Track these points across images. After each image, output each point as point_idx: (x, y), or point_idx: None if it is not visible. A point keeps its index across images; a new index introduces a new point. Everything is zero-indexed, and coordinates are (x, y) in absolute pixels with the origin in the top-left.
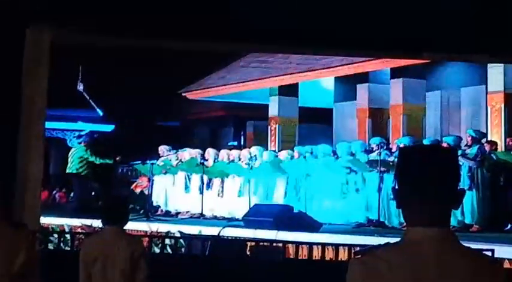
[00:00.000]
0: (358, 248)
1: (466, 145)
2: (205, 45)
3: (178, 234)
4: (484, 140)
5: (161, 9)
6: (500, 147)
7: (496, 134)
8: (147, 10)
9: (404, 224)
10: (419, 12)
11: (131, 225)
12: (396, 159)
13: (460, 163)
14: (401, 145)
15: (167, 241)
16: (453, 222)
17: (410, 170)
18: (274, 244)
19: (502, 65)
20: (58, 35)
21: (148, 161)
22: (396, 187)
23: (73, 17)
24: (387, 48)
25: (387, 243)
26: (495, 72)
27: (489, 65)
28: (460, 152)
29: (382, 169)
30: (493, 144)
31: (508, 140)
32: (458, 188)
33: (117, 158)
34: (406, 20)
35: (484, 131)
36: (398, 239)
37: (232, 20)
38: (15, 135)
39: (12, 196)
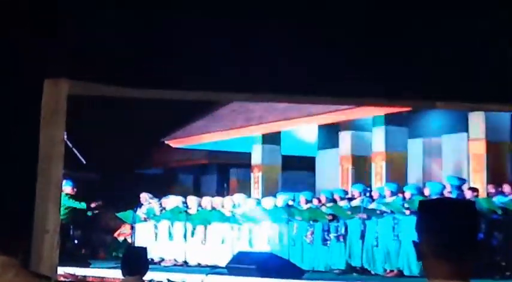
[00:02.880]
0: None
1: (448, 192)
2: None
3: None
4: (465, 186)
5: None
6: (481, 194)
7: (477, 182)
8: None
9: (388, 270)
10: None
11: (115, 273)
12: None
13: None
14: (417, 199)
15: None
16: None
17: (431, 225)
18: None
19: (483, 112)
20: (75, 85)
21: (131, 209)
22: (417, 240)
23: (90, 69)
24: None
25: None
26: (476, 119)
27: (470, 113)
28: None
29: (365, 216)
30: (475, 190)
31: (488, 187)
32: (477, 242)
33: (94, 204)
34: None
35: (465, 178)
36: None
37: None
38: (33, 183)
39: (29, 247)
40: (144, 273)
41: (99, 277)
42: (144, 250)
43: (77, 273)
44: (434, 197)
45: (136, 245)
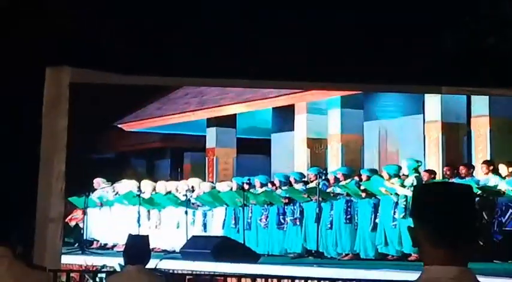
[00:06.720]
0: None
1: (403, 174)
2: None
3: (118, 267)
4: (421, 169)
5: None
6: (438, 176)
7: (433, 163)
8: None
9: (344, 254)
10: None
11: (65, 259)
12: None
13: (398, 193)
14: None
15: (103, 274)
16: (392, 251)
17: (426, 210)
18: (213, 276)
19: (439, 94)
20: (77, 73)
21: (83, 194)
22: (412, 226)
23: (92, 57)
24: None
25: (405, 281)
26: (432, 101)
27: (426, 95)
28: (399, 182)
29: (320, 199)
30: (431, 173)
31: (445, 169)
32: (475, 226)
33: None
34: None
35: (421, 160)
36: (337, 271)
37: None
38: (36, 173)
39: (32, 236)
40: (147, 262)
41: None
42: (146, 238)
43: None
44: (393, 178)
45: (89, 228)
